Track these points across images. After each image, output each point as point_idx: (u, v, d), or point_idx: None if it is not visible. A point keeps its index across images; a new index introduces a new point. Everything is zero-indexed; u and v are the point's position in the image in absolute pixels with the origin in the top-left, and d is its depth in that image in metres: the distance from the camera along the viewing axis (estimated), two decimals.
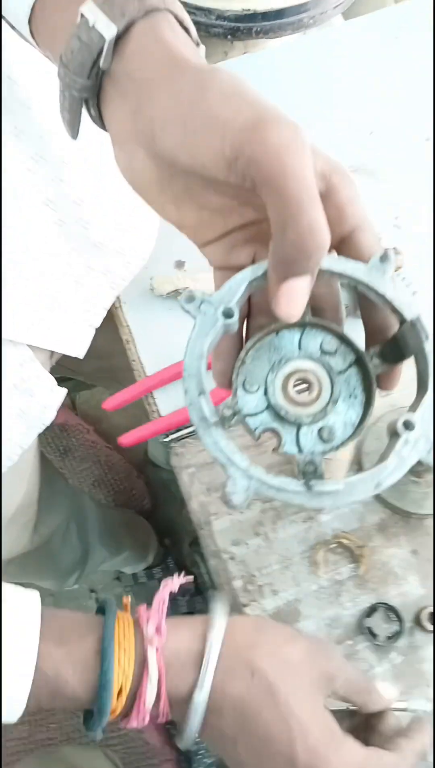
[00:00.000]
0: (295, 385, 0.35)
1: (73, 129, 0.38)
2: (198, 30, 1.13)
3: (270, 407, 0.34)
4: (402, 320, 0.33)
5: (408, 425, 0.30)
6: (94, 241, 0.64)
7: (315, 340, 0.36)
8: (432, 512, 0.60)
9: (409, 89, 0.90)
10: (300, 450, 0.34)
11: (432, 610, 0.57)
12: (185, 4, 1.16)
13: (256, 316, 0.38)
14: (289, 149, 0.29)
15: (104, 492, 1.63)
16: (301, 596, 0.60)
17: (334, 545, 0.61)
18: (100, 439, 1.67)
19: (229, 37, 1.24)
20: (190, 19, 0.37)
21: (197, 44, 0.38)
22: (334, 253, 0.35)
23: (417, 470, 0.59)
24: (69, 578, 1.17)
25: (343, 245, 0.34)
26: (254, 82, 0.93)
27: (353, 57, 0.94)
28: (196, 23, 1.20)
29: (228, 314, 0.32)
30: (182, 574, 0.47)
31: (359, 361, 0.35)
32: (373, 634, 0.58)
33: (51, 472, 1.01)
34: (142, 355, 0.69)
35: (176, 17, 0.36)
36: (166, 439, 0.66)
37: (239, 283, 0.33)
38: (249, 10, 1.20)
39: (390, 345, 0.35)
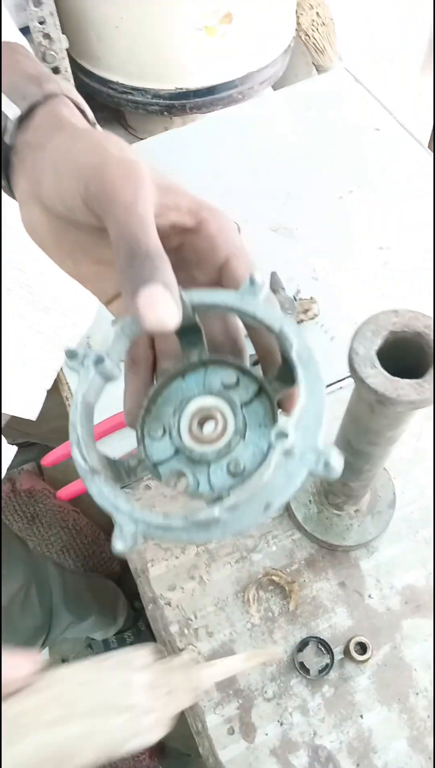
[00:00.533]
0: (199, 424, 0.34)
1: None
2: (136, 108, 1.23)
3: (178, 451, 0.33)
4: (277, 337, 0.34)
5: (280, 434, 0.28)
6: (41, 306, 0.68)
7: (217, 376, 0.35)
8: (355, 543, 0.63)
9: (323, 154, 0.97)
10: (211, 488, 0.33)
11: (360, 641, 0.59)
12: (124, 86, 1.26)
13: (162, 361, 0.39)
14: (122, 182, 0.31)
15: (73, 557, 1.62)
16: (235, 636, 0.61)
17: (265, 583, 0.63)
18: (68, 504, 1.68)
19: (165, 113, 1.34)
20: (85, 103, 0.42)
21: (93, 125, 0.43)
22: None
23: (335, 503, 0.62)
24: (33, 644, 1.15)
25: (221, 275, 0.35)
26: (187, 153, 1.01)
27: (275, 125, 1.02)
28: (135, 102, 1.31)
29: (97, 361, 0.32)
30: None
31: (263, 390, 0.35)
32: (305, 669, 0.59)
33: (8, 538, 1.02)
34: None
35: (73, 101, 0.40)
36: None
37: (118, 334, 0.33)
38: (182, 88, 1.30)
39: (283, 367, 0.35)
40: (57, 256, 0.38)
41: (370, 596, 0.63)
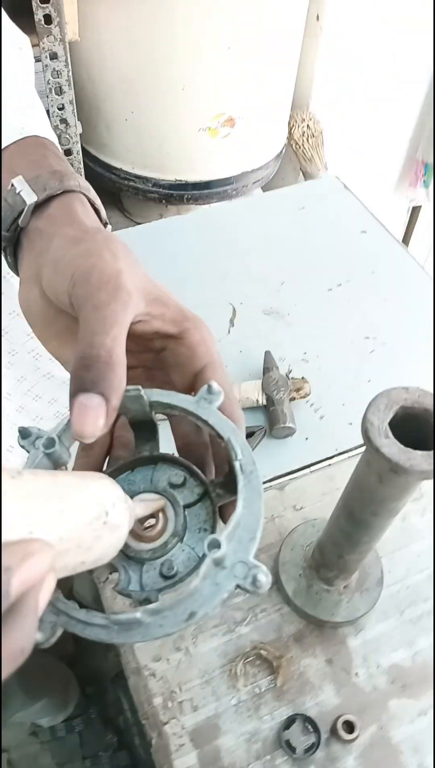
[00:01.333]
0: (140, 521, 0.33)
1: None
2: (136, 194, 1.31)
3: None
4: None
5: (212, 544, 0.28)
6: (44, 372, 0.69)
7: (165, 474, 0.36)
8: (344, 620, 0.63)
9: (313, 250, 1.05)
10: (142, 588, 0.32)
11: (347, 719, 0.59)
12: (127, 173, 1.35)
13: (115, 448, 0.39)
14: (101, 286, 0.33)
15: None
16: (220, 711, 0.60)
17: (252, 657, 0.63)
18: None
19: (163, 201, 1.43)
20: (100, 202, 0.46)
21: (106, 224, 0.46)
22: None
23: (327, 577, 0.63)
24: None
25: (196, 380, 0.37)
26: (184, 239, 1.07)
27: (269, 221, 1.10)
28: (135, 189, 1.39)
29: (47, 445, 0.32)
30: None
31: (208, 494, 0.35)
32: (291, 748, 0.58)
33: None
34: None
35: (89, 199, 0.44)
36: None
37: (66, 418, 0.34)
38: (181, 180, 1.39)
39: (229, 475, 0.34)
40: (44, 335, 0.41)
41: (356, 674, 0.63)
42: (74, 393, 0.30)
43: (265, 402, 0.81)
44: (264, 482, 0.76)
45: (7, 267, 0.47)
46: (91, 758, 1.41)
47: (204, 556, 0.32)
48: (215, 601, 0.28)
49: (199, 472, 0.36)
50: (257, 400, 0.81)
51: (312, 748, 0.58)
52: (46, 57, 1.01)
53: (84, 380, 0.30)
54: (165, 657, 0.63)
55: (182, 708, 0.60)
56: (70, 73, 1.05)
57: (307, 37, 1.42)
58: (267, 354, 0.86)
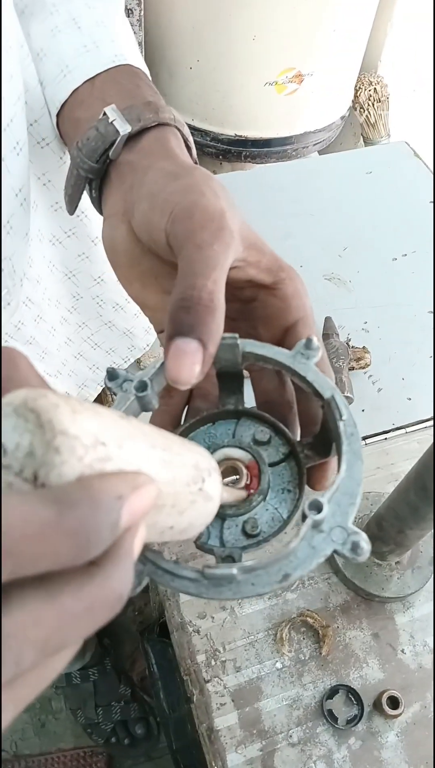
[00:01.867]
0: (223, 475, 0.32)
1: (72, 204, 0.43)
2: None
3: None
4: (323, 404, 0.32)
5: (314, 506, 0.26)
6: (106, 320, 0.68)
7: (249, 430, 0.34)
8: (394, 596, 0.62)
9: (378, 217, 1.01)
10: (222, 544, 0.31)
11: (392, 695, 0.58)
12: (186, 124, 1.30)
13: (194, 399, 0.38)
14: (204, 225, 0.31)
15: None
16: (263, 674, 0.59)
17: (298, 623, 0.62)
18: None
19: (220, 157, 1.39)
20: (193, 141, 0.43)
21: (195, 163, 0.43)
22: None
23: (381, 551, 0.62)
24: None
25: (287, 336, 0.35)
26: (242, 194, 1.03)
27: (333, 184, 1.06)
28: (193, 142, 1.34)
29: (139, 388, 0.30)
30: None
31: (293, 455, 0.33)
32: (333, 718, 0.57)
33: None
34: None
35: (183, 135, 0.41)
36: None
37: (157, 361, 0.32)
38: (241, 136, 1.35)
39: (320, 435, 0.33)
40: (127, 276, 0.39)
41: (402, 651, 0.61)
42: (171, 336, 0.29)
43: None
44: None
45: (84, 204, 0.45)
46: (104, 707, 1.43)
47: (289, 517, 0.31)
48: (311, 564, 0.27)
49: (286, 430, 0.34)
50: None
51: (354, 720, 0.57)
52: None
53: (183, 323, 0.29)
54: (210, 615, 0.62)
55: (225, 667, 0.60)
56: (142, 12, 1.00)
57: None
58: (327, 320, 0.83)
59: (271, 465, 0.33)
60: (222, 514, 0.31)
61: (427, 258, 0.96)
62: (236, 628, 0.62)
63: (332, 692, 0.58)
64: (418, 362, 0.83)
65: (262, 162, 1.36)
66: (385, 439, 0.75)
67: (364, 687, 0.59)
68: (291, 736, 0.57)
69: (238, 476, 0.32)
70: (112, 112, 0.38)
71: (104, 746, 1.42)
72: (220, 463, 0.32)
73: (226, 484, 0.32)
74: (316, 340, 0.32)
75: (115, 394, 0.31)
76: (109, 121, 0.38)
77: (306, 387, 0.32)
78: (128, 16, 1.02)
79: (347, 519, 0.27)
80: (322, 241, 0.97)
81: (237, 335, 0.32)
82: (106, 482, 0.19)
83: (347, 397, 0.76)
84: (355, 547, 0.26)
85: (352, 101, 1.48)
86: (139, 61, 0.47)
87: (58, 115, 0.45)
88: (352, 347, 0.81)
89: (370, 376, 0.81)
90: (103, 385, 0.74)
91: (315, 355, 0.32)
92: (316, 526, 0.27)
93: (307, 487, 0.33)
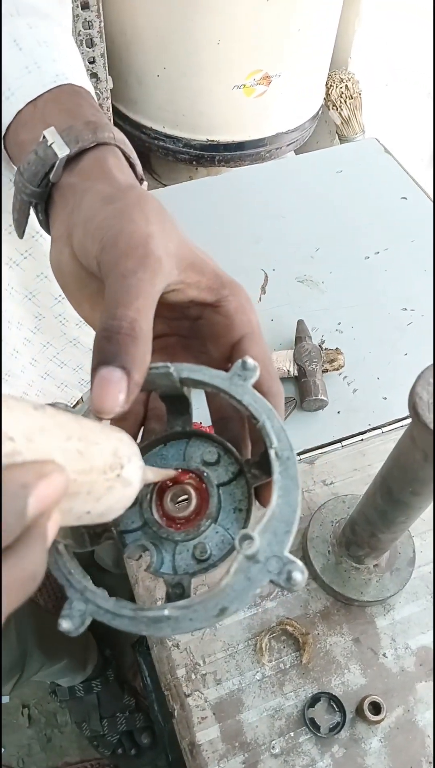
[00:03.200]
0: (171, 499, 0.32)
1: (20, 228, 0.43)
2: (166, 155, 1.27)
3: (146, 524, 0.32)
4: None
5: (244, 538, 0.27)
6: (70, 338, 0.67)
7: (198, 450, 0.34)
8: (373, 599, 0.62)
9: (350, 215, 1.01)
10: (175, 571, 0.31)
11: (374, 700, 0.57)
12: (157, 132, 1.31)
13: (149, 421, 0.38)
14: (128, 253, 0.31)
15: (45, 596, 1.56)
16: (244, 685, 0.59)
17: (278, 632, 0.61)
18: None
19: (194, 163, 1.38)
20: (136, 156, 0.43)
21: (141, 180, 0.43)
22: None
23: (357, 555, 0.61)
24: (7, 683, 1.09)
25: (234, 351, 0.35)
26: (214, 201, 1.04)
27: (304, 185, 1.06)
28: (165, 149, 1.35)
29: (85, 414, 0.30)
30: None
31: (242, 474, 0.33)
32: (315, 726, 0.57)
33: None
34: None
35: (124, 153, 0.41)
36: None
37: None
38: (213, 141, 1.35)
39: (266, 454, 0.32)
40: (76, 298, 0.39)
41: (384, 655, 0.61)
42: (95, 366, 0.29)
43: (296, 373, 0.79)
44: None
45: (38, 225, 0.45)
46: (108, 718, 1.43)
47: (233, 548, 0.30)
48: (247, 596, 0.27)
49: (233, 450, 0.34)
50: (289, 371, 0.79)
51: (337, 728, 0.57)
52: (78, 6, 0.97)
53: (105, 352, 0.29)
54: None
55: (205, 681, 0.59)
56: (102, 24, 1.00)
57: None
58: (300, 323, 0.83)
59: (222, 485, 0.33)
60: (173, 540, 0.31)
61: (400, 254, 0.95)
62: (216, 640, 0.61)
63: (314, 700, 0.58)
64: (392, 360, 0.82)
65: (236, 165, 1.35)
66: (362, 440, 0.75)
67: (346, 693, 0.59)
68: (273, 747, 0.56)
69: (187, 497, 0.32)
70: (50, 134, 0.38)
71: (111, 758, 1.42)
72: (169, 488, 0.32)
73: (177, 504, 0.32)
74: (251, 361, 0.32)
75: None
76: (48, 144, 0.38)
77: (243, 410, 0.31)
78: (89, 28, 1.02)
79: (283, 548, 0.27)
80: (293, 243, 0.97)
81: (169, 364, 0.32)
82: (11, 472, 0.20)
83: (320, 400, 0.75)
84: (289, 577, 0.26)
85: (324, 99, 1.48)
86: (82, 80, 0.46)
87: (4, 138, 0.44)
88: (325, 349, 0.80)
89: (345, 377, 0.81)
90: (73, 404, 0.74)
91: (251, 376, 0.31)
92: (250, 557, 0.27)
93: (255, 506, 0.33)
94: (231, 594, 0.27)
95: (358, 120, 1.51)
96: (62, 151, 0.37)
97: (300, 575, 0.26)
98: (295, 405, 0.77)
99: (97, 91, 1.12)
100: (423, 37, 1.53)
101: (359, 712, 0.57)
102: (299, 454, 0.74)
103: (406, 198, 1.04)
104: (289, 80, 1.26)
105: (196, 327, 0.37)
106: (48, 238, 0.59)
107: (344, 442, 0.75)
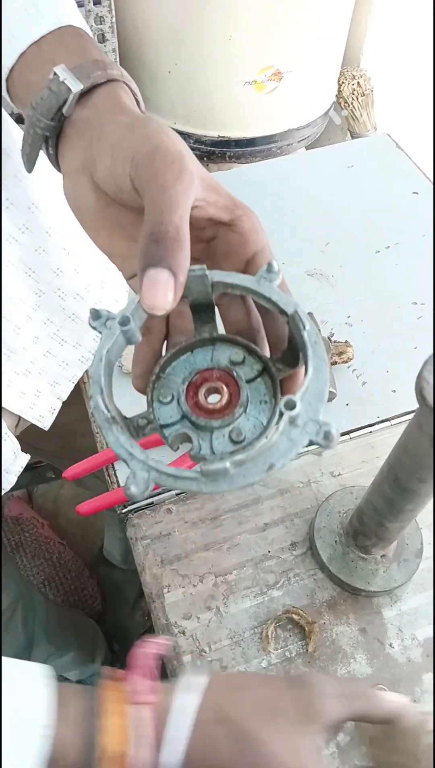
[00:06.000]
0: (206, 394, 0.36)
1: (30, 163, 0.44)
2: None
3: (184, 416, 0.36)
4: (287, 320, 0.36)
5: (288, 404, 0.30)
6: (69, 312, 0.68)
7: (225, 353, 0.38)
8: (380, 590, 0.62)
9: (361, 210, 1.01)
10: (213, 452, 0.35)
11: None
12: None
13: (173, 335, 0.41)
14: (167, 166, 0.33)
15: (54, 590, 1.57)
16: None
17: (284, 621, 0.61)
18: (54, 535, 1.64)
19: (205, 159, 1.39)
20: (140, 95, 0.45)
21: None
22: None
23: (364, 545, 0.61)
24: None
25: (248, 267, 0.38)
26: None
27: (315, 180, 1.06)
28: None
29: (123, 322, 0.34)
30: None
31: (267, 370, 0.37)
32: None
33: (2, 554, 0.99)
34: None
35: (132, 91, 0.43)
36: (124, 510, 0.67)
37: (138, 304, 0.35)
38: (224, 137, 1.35)
39: (288, 350, 0.37)
40: (94, 227, 0.41)
41: (391, 645, 0.61)
42: (144, 268, 0.31)
43: None
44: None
45: (35, 197, 0.45)
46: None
47: (268, 422, 0.35)
48: (291, 454, 0.31)
49: (257, 349, 0.37)
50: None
51: None
52: (90, 2, 0.97)
53: (153, 255, 0.31)
54: (195, 615, 0.62)
55: (211, 667, 0.59)
56: (114, 20, 1.00)
57: None
58: (309, 315, 0.83)
59: (248, 381, 0.36)
60: (210, 427, 0.35)
61: (411, 249, 0.95)
62: (222, 627, 0.61)
63: None
64: (402, 354, 0.82)
65: (247, 161, 1.35)
66: (370, 432, 0.75)
67: None
68: None
69: (220, 395, 0.36)
70: (62, 71, 0.39)
71: None
72: (201, 385, 0.36)
73: (210, 398, 0.36)
74: (276, 265, 0.35)
75: (100, 333, 0.34)
76: (61, 80, 0.39)
77: (271, 306, 0.35)
78: (100, 24, 1.03)
79: (318, 414, 0.31)
80: (304, 238, 0.97)
81: (205, 266, 0.35)
82: None
83: (329, 392, 0.75)
84: (326, 435, 0.31)
85: (336, 96, 1.48)
86: (81, 22, 0.47)
87: (6, 80, 0.45)
88: (335, 342, 0.80)
89: (354, 370, 0.81)
90: (75, 382, 0.74)
91: (277, 278, 0.35)
92: (292, 421, 0.31)
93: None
94: (276, 453, 0.31)
95: (370, 117, 1.51)
96: (76, 86, 0.39)
97: (335, 431, 0.31)
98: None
99: None
100: (429, 35, 1.52)
101: None
102: (308, 445, 0.74)
103: (417, 193, 1.04)
104: (301, 76, 1.26)
105: (209, 248, 0.40)
106: (45, 209, 0.60)
107: (353, 434, 0.75)
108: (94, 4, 1.00)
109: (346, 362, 0.79)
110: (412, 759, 0.46)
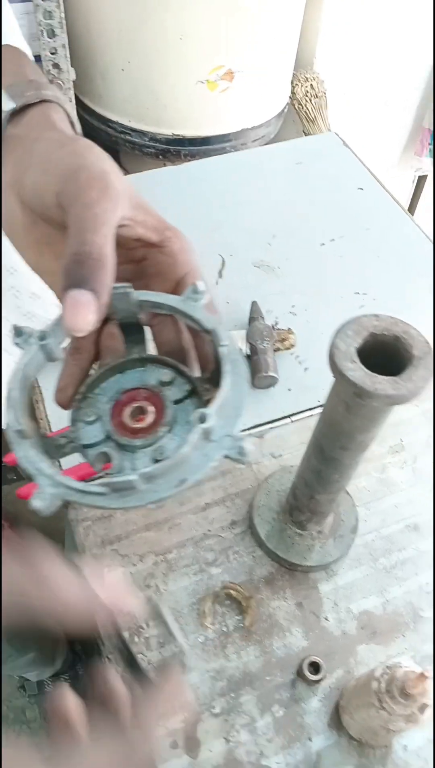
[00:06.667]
0: (131, 415, 0.36)
1: None
2: (133, 149, 1.29)
3: (108, 436, 0.35)
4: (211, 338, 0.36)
5: (201, 418, 0.30)
6: (24, 311, 0.68)
7: (154, 374, 0.38)
8: (316, 564, 0.63)
9: (307, 205, 1.03)
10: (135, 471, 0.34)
11: (313, 660, 0.58)
12: (123, 126, 1.32)
13: (103, 356, 0.41)
14: (90, 184, 0.33)
15: None
16: (187, 648, 0.60)
17: (222, 596, 0.62)
18: (16, 536, 1.62)
19: (160, 157, 1.40)
20: (75, 115, 0.46)
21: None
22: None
23: (299, 521, 0.63)
24: None
25: (177, 288, 0.39)
26: (176, 189, 1.05)
27: (264, 175, 1.08)
28: (132, 143, 1.37)
29: (41, 337, 0.34)
30: None
31: (195, 390, 0.37)
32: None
33: None
34: (49, 413, 0.72)
35: (66, 112, 0.43)
36: None
37: (58, 321, 0.35)
38: (178, 135, 1.37)
39: (216, 371, 0.36)
40: (21, 244, 0.41)
41: (326, 619, 0.62)
42: (66, 288, 0.31)
43: (248, 351, 0.80)
44: (243, 430, 0.75)
45: None
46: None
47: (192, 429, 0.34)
48: (204, 468, 0.31)
49: (186, 370, 0.38)
50: (241, 350, 0.80)
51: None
52: None
53: (75, 276, 0.31)
54: (135, 593, 0.63)
55: (149, 643, 0.60)
56: (63, 14, 1.02)
57: None
58: (253, 304, 0.85)
59: (176, 402, 0.37)
60: (133, 447, 0.35)
61: (354, 241, 0.98)
62: (161, 604, 0.62)
63: None
64: None
65: (202, 159, 1.37)
66: (311, 416, 0.77)
67: (287, 656, 0.60)
68: (214, 707, 0.57)
69: (144, 414, 0.36)
70: None
71: None
72: (127, 405, 0.36)
73: (135, 419, 0.36)
74: (202, 285, 0.36)
75: (22, 348, 0.35)
76: None
77: (195, 325, 0.36)
78: (49, 19, 1.04)
79: (234, 428, 0.32)
80: (251, 231, 0.99)
81: (129, 284, 0.36)
82: None
83: (271, 377, 0.77)
84: (241, 450, 0.31)
85: (290, 97, 1.51)
86: (20, 43, 0.48)
87: None
88: (278, 329, 0.82)
89: (297, 356, 0.82)
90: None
91: (202, 298, 0.36)
92: (206, 436, 0.31)
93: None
94: (190, 467, 0.31)
95: (324, 119, 1.54)
96: (8, 105, 0.40)
97: (250, 446, 0.31)
98: None
99: (60, 81, 1.13)
100: (382, 39, 1.57)
101: (299, 672, 0.58)
102: (250, 428, 0.75)
103: (362, 189, 1.06)
104: (253, 77, 1.28)
105: (140, 268, 0.40)
106: None
107: (293, 418, 0.76)
108: None
109: (289, 349, 0.81)
110: (371, 709, 0.47)
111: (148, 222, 0.37)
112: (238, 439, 0.31)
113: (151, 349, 0.40)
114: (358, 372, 0.41)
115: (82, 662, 1.47)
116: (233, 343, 0.35)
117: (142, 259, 0.39)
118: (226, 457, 0.31)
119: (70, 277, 0.31)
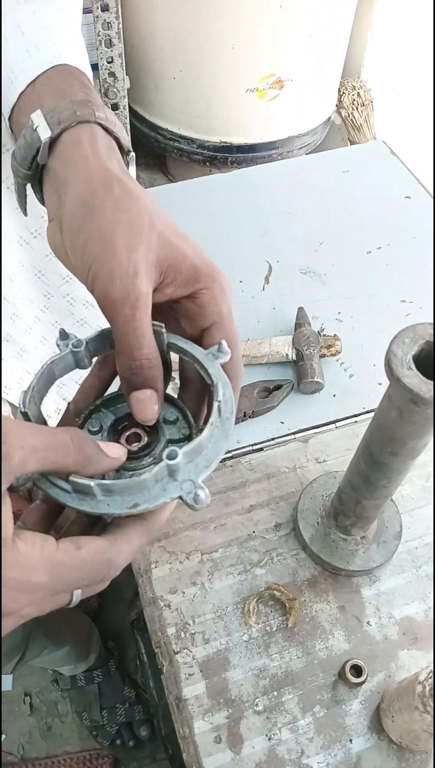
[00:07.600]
0: (126, 438, 0.39)
1: (22, 207, 0.46)
2: (181, 155, 1.32)
3: None
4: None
5: (170, 454, 0.32)
6: (77, 318, 0.70)
7: (163, 410, 0.39)
8: (359, 569, 0.64)
9: (354, 213, 1.04)
10: None
11: (356, 663, 0.59)
12: (172, 133, 1.35)
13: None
14: (122, 300, 0.35)
15: None
16: (231, 645, 0.61)
17: (266, 597, 0.64)
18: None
19: (207, 164, 1.42)
20: (121, 128, 0.44)
21: (128, 152, 0.45)
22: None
23: (344, 525, 0.63)
24: (8, 662, 1.12)
25: (204, 335, 0.40)
26: (224, 197, 1.07)
27: (311, 183, 1.09)
28: (180, 150, 1.40)
29: (75, 345, 0.38)
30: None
31: (191, 436, 0.39)
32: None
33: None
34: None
35: (105, 128, 0.42)
36: None
37: (98, 337, 0.39)
38: (226, 142, 1.39)
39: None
40: (72, 267, 0.41)
41: (368, 623, 0.63)
42: (129, 391, 0.37)
43: (295, 357, 0.81)
44: (288, 434, 0.76)
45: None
46: (109, 709, 1.44)
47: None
48: (158, 501, 0.33)
49: (190, 416, 0.40)
50: (287, 355, 0.81)
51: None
52: (98, 8, 1.01)
53: (135, 383, 0.37)
54: (181, 590, 0.64)
55: (194, 639, 0.61)
56: (121, 26, 1.05)
57: (362, 3, 1.39)
58: (300, 309, 0.86)
59: (174, 441, 0.39)
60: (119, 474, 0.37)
61: (401, 250, 0.98)
62: (206, 602, 0.64)
63: None
64: None
65: (248, 167, 1.39)
66: (356, 422, 0.77)
67: (329, 658, 0.61)
68: (257, 704, 0.58)
69: (138, 442, 0.38)
70: (36, 117, 0.40)
71: (109, 748, 1.43)
72: (127, 428, 0.39)
73: (128, 444, 0.39)
74: (226, 345, 0.39)
75: (61, 350, 0.38)
76: (34, 127, 0.40)
77: (205, 376, 0.39)
78: (108, 29, 1.07)
79: (199, 477, 0.34)
80: (298, 238, 1.00)
81: (162, 325, 0.38)
82: None
83: (316, 383, 0.78)
84: (196, 497, 0.33)
85: (337, 105, 1.52)
86: (78, 60, 0.47)
87: (10, 119, 0.46)
88: (324, 335, 0.83)
89: (342, 363, 0.83)
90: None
91: (222, 357, 0.39)
92: (171, 473, 0.33)
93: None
94: (146, 495, 0.33)
95: (370, 126, 1.54)
96: (45, 133, 0.40)
97: (204, 496, 0.33)
98: (291, 387, 0.80)
99: (115, 90, 1.16)
100: (432, 46, 1.56)
101: (341, 675, 0.59)
102: (295, 433, 0.76)
103: (409, 197, 1.07)
104: (302, 85, 1.30)
105: (173, 310, 0.42)
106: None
107: (338, 424, 0.77)
108: (102, 10, 1.05)
109: (334, 355, 0.82)
110: (415, 712, 0.48)
111: (179, 279, 0.38)
112: (197, 487, 0.33)
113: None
114: (414, 379, 0.42)
115: (114, 659, 1.49)
116: (230, 402, 0.37)
117: (176, 301, 0.40)
118: (180, 498, 0.33)
119: (129, 384, 0.36)
